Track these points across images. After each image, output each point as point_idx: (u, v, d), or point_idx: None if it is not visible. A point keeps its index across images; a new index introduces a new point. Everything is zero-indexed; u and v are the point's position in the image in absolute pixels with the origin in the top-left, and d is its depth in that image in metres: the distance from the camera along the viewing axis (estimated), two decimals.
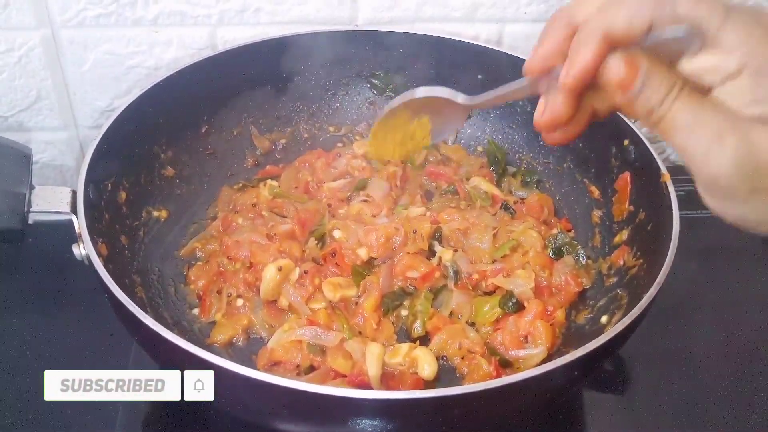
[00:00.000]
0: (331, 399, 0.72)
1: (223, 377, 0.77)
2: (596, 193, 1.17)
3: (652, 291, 0.85)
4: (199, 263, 1.12)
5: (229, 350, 1.01)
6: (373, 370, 0.93)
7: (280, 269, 1.04)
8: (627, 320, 0.82)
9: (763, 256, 1.33)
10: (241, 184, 1.24)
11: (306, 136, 1.34)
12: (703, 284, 1.28)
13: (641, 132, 1.09)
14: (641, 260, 1.01)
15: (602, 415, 1.09)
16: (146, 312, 0.81)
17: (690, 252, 1.30)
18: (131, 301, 0.81)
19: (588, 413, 1.08)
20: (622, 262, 1.06)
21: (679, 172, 1.44)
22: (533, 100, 1.22)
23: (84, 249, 0.89)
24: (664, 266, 0.88)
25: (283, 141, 1.32)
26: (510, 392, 0.74)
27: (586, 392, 1.10)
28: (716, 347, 1.18)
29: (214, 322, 1.05)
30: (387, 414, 0.75)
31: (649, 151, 1.05)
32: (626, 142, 1.10)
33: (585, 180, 1.20)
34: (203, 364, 0.76)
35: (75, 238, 0.91)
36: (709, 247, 1.34)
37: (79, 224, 0.90)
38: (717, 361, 1.16)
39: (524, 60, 1.22)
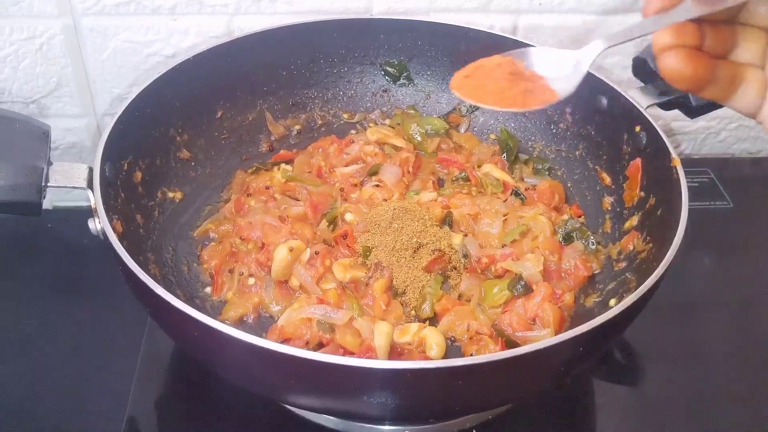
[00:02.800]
0: (336, 368, 0.73)
1: (235, 348, 0.78)
2: (607, 180, 1.18)
3: (660, 270, 0.85)
4: (213, 244, 1.14)
5: (240, 328, 1.02)
6: (380, 341, 0.95)
7: (291, 250, 1.05)
8: (633, 298, 0.82)
9: None
10: (254, 168, 1.25)
11: (320, 122, 1.35)
12: (716, 279, 1.29)
13: (652, 118, 1.09)
14: (650, 245, 1.02)
15: (613, 407, 1.09)
16: None
17: (703, 246, 1.32)
18: (144, 273, 0.83)
19: (599, 405, 1.09)
20: (631, 247, 1.07)
21: (694, 165, 1.46)
22: None
23: (99, 223, 0.90)
24: (672, 246, 0.88)
25: (297, 127, 1.33)
26: (514, 365, 0.75)
27: (598, 384, 1.11)
28: (729, 343, 1.18)
29: (226, 301, 1.07)
30: (392, 384, 0.76)
31: (660, 137, 1.05)
32: (638, 128, 1.10)
33: (597, 167, 1.20)
34: (216, 336, 0.77)
35: (91, 215, 0.92)
36: (722, 241, 1.35)
37: (95, 199, 0.91)
38: (729, 358, 1.16)
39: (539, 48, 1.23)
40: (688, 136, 1.56)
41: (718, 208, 1.39)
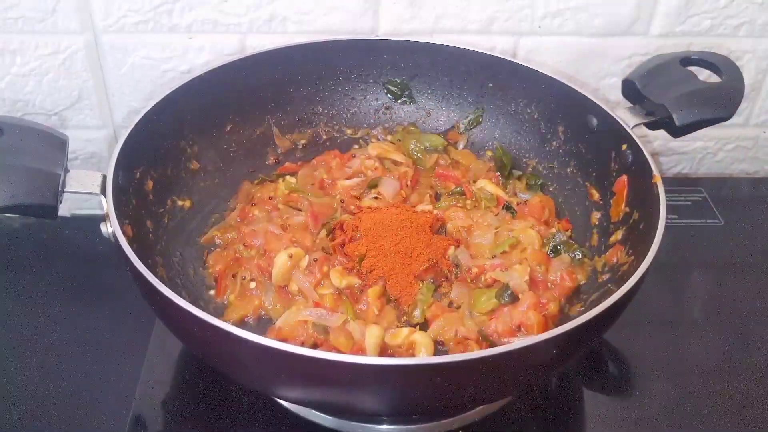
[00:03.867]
0: (323, 362, 0.78)
1: (234, 344, 0.82)
2: (596, 195, 1.22)
3: (634, 278, 0.89)
4: (218, 250, 1.18)
5: (240, 328, 1.07)
6: (371, 343, 1.00)
7: (291, 256, 1.10)
8: (607, 303, 0.86)
9: None
10: (260, 179, 1.30)
11: (325, 137, 1.40)
12: (712, 296, 1.32)
13: (638, 137, 1.13)
14: (632, 257, 1.05)
15: (603, 419, 1.12)
16: None
17: (694, 262, 1.35)
18: (151, 273, 0.88)
19: (589, 415, 1.12)
20: (615, 260, 1.10)
21: (688, 183, 1.50)
22: (541, 109, 1.29)
23: (110, 227, 0.95)
24: (646, 259, 0.92)
25: (303, 141, 1.38)
26: (490, 364, 0.79)
27: (589, 395, 1.14)
28: (724, 360, 1.20)
29: (228, 303, 1.11)
30: (374, 379, 0.80)
31: (644, 155, 1.09)
32: (624, 146, 1.14)
33: (586, 183, 1.24)
34: (216, 332, 0.82)
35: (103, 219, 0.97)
36: (712, 258, 1.38)
37: (107, 204, 0.97)
38: (719, 373, 1.18)
39: (535, 71, 1.29)
40: (686, 156, 1.60)
41: (708, 225, 1.42)
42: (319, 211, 1.21)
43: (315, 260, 1.11)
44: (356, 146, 1.39)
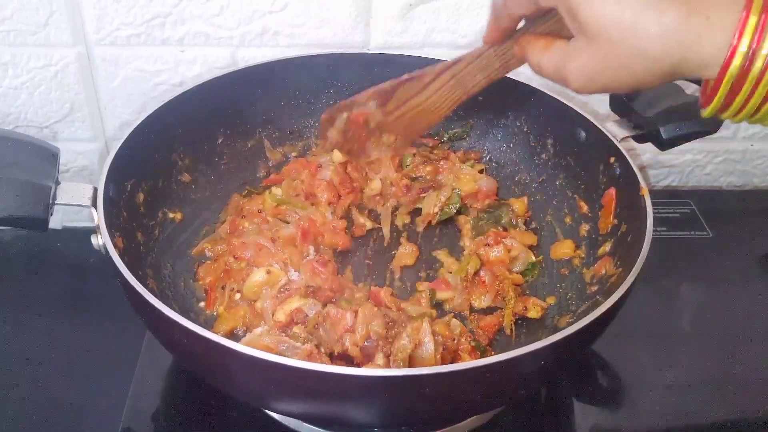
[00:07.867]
0: (308, 373, 0.78)
1: (224, 356, 0.83)
2: (585, 208, 1.22)
3: (621, 289, 0.90)
4: (208, 262, 1.19)
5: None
6: None
7: (268, 273, 1.10)
8: (595, 314, 0.87)
9: None
10: (246, 191, 1.31)
11: (315, 149, 1.40)
12: (701, 307, 1.33)
13: (626, 150, 1.14)
14: (620, 269, 1.06)
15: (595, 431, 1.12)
16: None
17: (687, 274, 1.36)
18: (141, 285, 0.88)
19: (580, 429, 1.12)
20: (603, 272, 1.11)
21: (677, 196, 1.52)
22: (530, 122, 1.30)
23: (101, 239, 0.96)
24: (633, 270, 0.93)
25: (294, 154, 1.39)
26: (478, 374, 0.80)
27: (579, 407, 1.14)
28: (713, 371, 1.21)
29: (218, 315, 1.12)
30: (362, 390, 0.81)
31: (632, 168, 1.10)
32: (612, 159, 1.15)
33: (575, 196, 1.25)
34: (207, 344, 0.82)
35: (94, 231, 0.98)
36: (706, 270, 1.39)
37: (98, 216, 0.97)
38: (713, 386, 1.19)
39: (524, 84, 1.29)
40: (675, 168, 1.61)
41: (697, 237, 1.43)
42: (307, 226, 1.20)
43: (287, 290, 1.11)
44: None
